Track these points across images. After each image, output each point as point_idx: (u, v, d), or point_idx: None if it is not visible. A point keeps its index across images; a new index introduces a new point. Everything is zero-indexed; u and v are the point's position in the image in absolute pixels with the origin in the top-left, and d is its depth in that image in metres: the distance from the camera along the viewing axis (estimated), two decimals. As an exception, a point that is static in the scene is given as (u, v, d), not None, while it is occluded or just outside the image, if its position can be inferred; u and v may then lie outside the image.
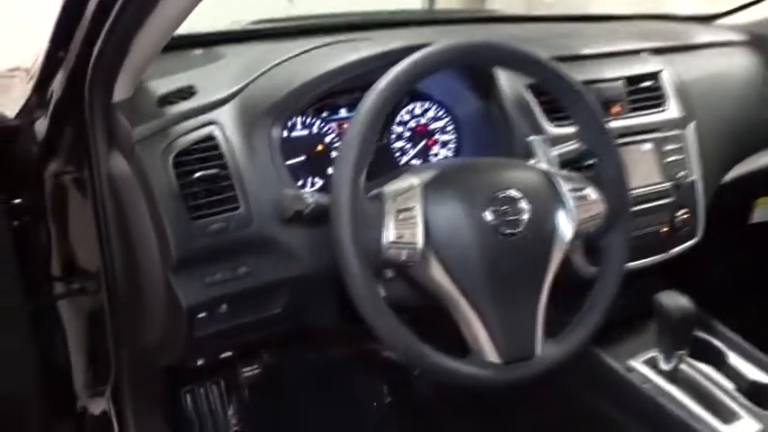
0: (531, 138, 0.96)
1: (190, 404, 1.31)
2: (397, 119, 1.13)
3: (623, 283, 0.94)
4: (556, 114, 1.12)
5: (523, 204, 0.83)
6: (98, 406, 1.20)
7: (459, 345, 0.84)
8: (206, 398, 1.33)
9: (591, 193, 0.89)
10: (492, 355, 0.81)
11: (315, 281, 0.92)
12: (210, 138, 0.90)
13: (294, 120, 1.04)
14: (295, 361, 1.39)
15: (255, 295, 0.91)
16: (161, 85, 0.95)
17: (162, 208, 0.84)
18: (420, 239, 0.78)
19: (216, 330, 0.90)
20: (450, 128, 1.16)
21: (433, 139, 1.15)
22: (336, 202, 0.75)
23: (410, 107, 1.14)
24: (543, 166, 0.92)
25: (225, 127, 0.91)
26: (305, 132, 1.06)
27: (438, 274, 0.80)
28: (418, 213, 0.79)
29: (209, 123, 0.91)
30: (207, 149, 0.89)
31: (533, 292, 0.83)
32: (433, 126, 1.15)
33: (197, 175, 0.86)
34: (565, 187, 0.87)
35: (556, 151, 0.95)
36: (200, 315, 0.88)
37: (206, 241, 0.86)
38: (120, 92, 0.90)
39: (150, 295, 0.89)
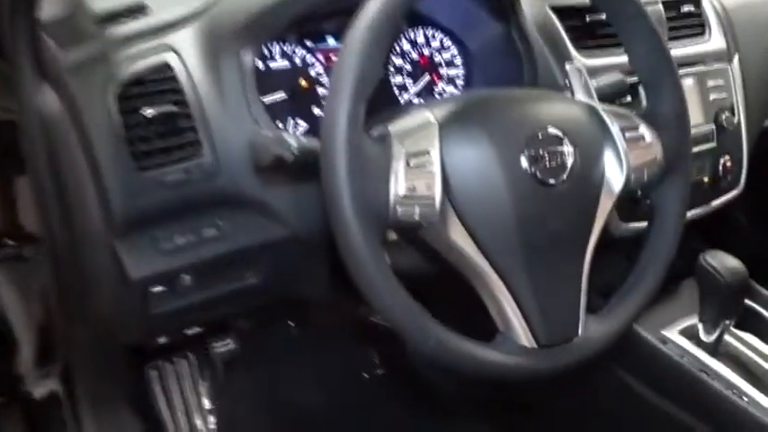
0: (568, 65, 0.78)
1: (155, 382, 1.14)
2: (397, 47, 0.94)
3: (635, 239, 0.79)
4: (584, 43, 0.94)
5: (567, 146, 0.66)
6: (46, 389, 1.03)
7: (472, 324, 0.68)
8: (175, 374, 1.16)
9: (646, 133, 0.72)
10: (527, 337, 0.64)
11: (300, 245, 0.75)
12: (166, 67, 0.71)
13: (271, 47, 0.85)
14: (275, 332, 1.23)
15: (227, 263, 0.73)
16: (104, 0, 0.75)
17: (100, 154, 0.65)
18: (437, 193, 0.61)
19: (177, 307, 0.73)
20: (458, 61, 0.98)
21: (438, 73, 0.96)
22: (329, 143, 0.58)
23: (411, 35, 0.95)
24: (585, 99, 0.75)
25: (184, 54, 0.72)
26: (285, 64, 0.86)
27: (459, 236, 0.63)
28: (435, 159, 0.61)
29: (165, 49, 0.72)
30: (161, 81, 0.70)
31: (577, 258, 0.67)
32: (438, 58, 0.96)
33: (148, 112, 0.67)
34: (615, 126, 0.70)
35: (597, 83, 0.77)
36: (156, 289, 0.71)
37: (160, 196, 0.68)
38: (50, 7, 0.70)
39: (93, 264, 0.71)
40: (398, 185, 0.60)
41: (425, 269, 0.71)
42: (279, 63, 0.86)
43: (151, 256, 0.68)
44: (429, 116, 0.63)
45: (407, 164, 0.60)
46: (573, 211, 0.66)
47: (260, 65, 0.83)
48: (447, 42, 0.97)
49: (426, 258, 0.69)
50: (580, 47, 0.93)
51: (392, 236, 0.68)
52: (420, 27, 0.95)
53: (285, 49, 0.86)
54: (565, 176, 0.65)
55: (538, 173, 0.64)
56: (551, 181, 0.65)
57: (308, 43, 0.90)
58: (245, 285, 0.76)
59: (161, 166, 0.68)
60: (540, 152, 0.64)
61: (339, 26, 0.90)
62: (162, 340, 0.89)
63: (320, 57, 0.90)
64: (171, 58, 0.71)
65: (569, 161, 0.65)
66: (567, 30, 0.92)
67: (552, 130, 0.66)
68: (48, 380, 1.03)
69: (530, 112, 0.67)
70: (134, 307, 0.70)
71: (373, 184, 0.59)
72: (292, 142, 0.64)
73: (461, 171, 0.62)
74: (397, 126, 0.63)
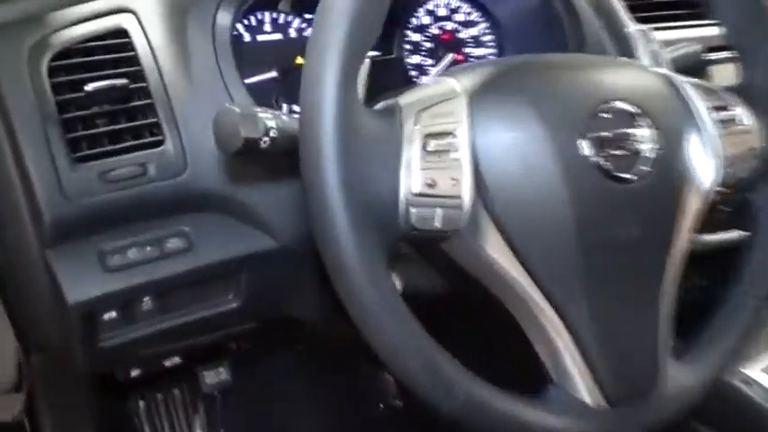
0: (632, 29, 0.61)
1: (143, 414, 0.99)
2: (413, 21, 0.78)
3: (718, 255, 0.62)
4: (640, 14, 0.78)
5: (643, 128, 0.49)
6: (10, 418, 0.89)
7: (513, 370, 0.52)
8: (164, 405, 1.00)
9: (743, 114, 0.54)
10: (590, 392, 0.47)
11: (288, 257, 0.59)
12: (119, 32, 0.56)
13: (260, 16, 0.70)
14: (274, 356, 1.07)
15: (198, 282, 0.58)
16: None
17: (24, 139, 0.50)
18: (466, 189, 0.44)
19: (136, 337, 0.57)
20: (488, 37, 0.81)
21: (464, 51, 0.80)
22: (310, 117, 0.41)
23: (431, 5, 0.79)
24: (661, 69, 0.58)
25: (143, 14, 0.57)
26: (277, 36, 0.71)
27: (496, 250, 0.46)
28: (462, 142, 0.45)
29: (118, 10, 0.57)
30: (111, 50, 0.55)
31: (657, 280, 0.50)
32: (463, 34, 0.80)
33: (90, 87, 0.52)
34: (701, 104, 0.53)
35: (671, 53, 0.60)
36: (106, 316, 0.55)
37: (104, 196, 0.52)
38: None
39: (28, 282, 0.56)
40: (412, 179, 0.43)
41: (447, 293, 0.55)
42: (269, 36, 0.70)
43: (95, 274, 0.53)
44: (454, 85, 0.47)
45: (424, 148, 0.43)
46: (651, 217, 0.49)
47: (245, 35, 0.68)
48: (474, 14, 0.81)
49: (448, 278, 0.52)
50: (637, 19, 0.77)
51: (402, 248, 0.52)
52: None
53: (278, 18, 0.71)
54: (640, 168, 0.48)
55: (604, 163, 0.47)
56: (622, 175, 0.47)
57: (308, 15, 0.75)
58: (223, 309, 0.60)
59: (106, 156, 0.53)
60: (607, 135, 0.47)
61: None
62: (135, 373, 0.74)
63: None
64: (126, 21, 0.56)
65: (646, 147, 0.48)
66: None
67: (622, 105, 0.48)
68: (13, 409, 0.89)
69: (592, 81, 0.50)
70: (78, 337, 0.55)
71: (375, 177, 0.42)
72: (270, 122, 0.47)
73: (499, 160, 0.45)
74: (409, 97, 0.47)
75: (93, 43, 0.55)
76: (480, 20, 0.81)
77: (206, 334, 0.63)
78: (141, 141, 0.54)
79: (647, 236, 0.48)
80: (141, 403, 0.98)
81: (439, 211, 0.43)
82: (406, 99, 0.46)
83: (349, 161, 0.40)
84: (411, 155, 0.43)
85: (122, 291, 0.54)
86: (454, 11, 0.80)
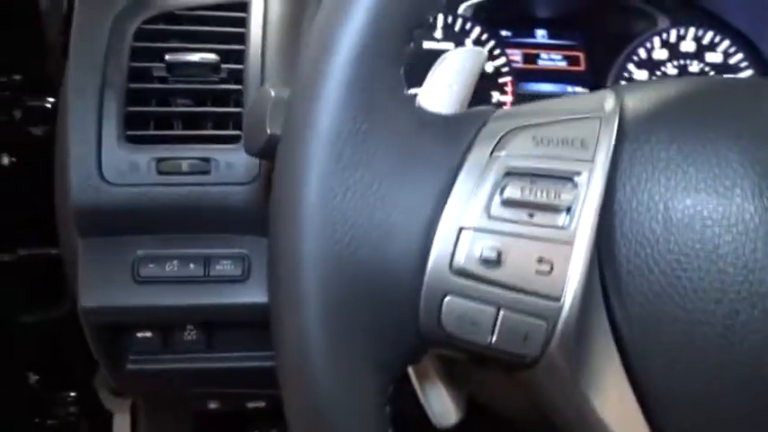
0: None
1: None
2: (640, 52, 0.58)
3: None
4: None
5: None
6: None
7: None
8: None
9: None
10: None
11: None
12: (238, 5, 0.47)
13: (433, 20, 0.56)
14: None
15: (256, 323, 0.44)
16: None
17: (73, 102, 0.42)
18: (574, 286, 0.23)
19: (175, 368, 0.46)
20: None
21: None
22: (301, 93, 0.24)
23: (672, 34, 0.58)
24: None
25: None
26: (448, 46, 0.57)
27: (611, 405, 0.24)
28: (590, 197, 0.24)
29: None
30: (221, 22, 0.46)
31: None
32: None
33: (170, 57, 0.43)
34: None
35: None
36: (140, 334, 0.45)
37: (154, 190, 0.42)
38: None
39: (72, 277, 0.48)
40: (459, 243, 0.24)
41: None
42: (436, 44, 0.56)
43: (122, 281, 0.43)
44: (604, 98, 0.26)
45: (500, 192, 0.24)
46: None
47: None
48: (737, 54, 0.58)
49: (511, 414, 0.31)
50: None
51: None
52: (703, 26, 0.58)
53: (453, 24, 0.56)
54: None
55: None
56: None
57: (504, 32, 0.60)
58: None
59: (167, 142, 0.43)
60: None
61: (555, 17, 0.59)
62: (213, 405, 0.64)
63: (516, 53, 0.59)
64: None
65: None
66: None
67: None
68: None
69: None
70: (96, 348, 0.45)
71: (387, 221, 0.23)
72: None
73: (658, 239, 0.24)
74: (515, 109, 0.27)
75: (204, 12, 0.46)
76: (745, 63, 0.58)
77: (262, 388, 0.50)
78: (214, 133, 0.43)
79: None
80: None
81: (504, 316, 0.23)
82: (506, 110, 0.27)
83: (344, 177, 0.22)
84: (468, 194, 0.23)
85: (148, 308, 0.43)
86: (707, 47, 0.58)
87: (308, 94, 0.23)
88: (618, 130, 0.24)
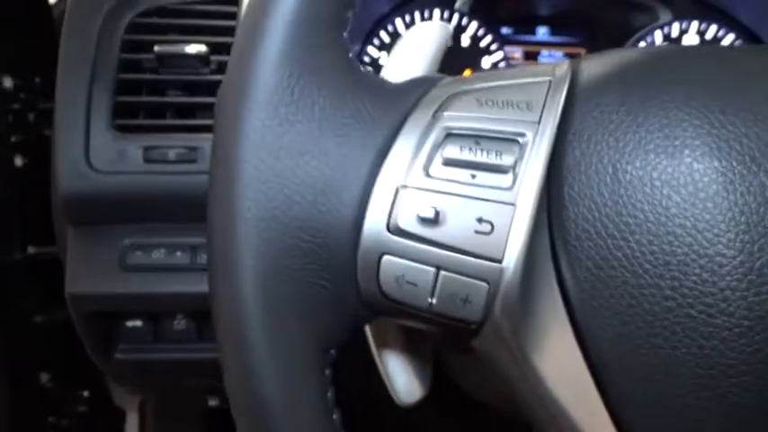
0: None
1: None
2: (641, 45, 0.57)
3: None
4: None
5: None
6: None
7: None
8: None
9: None
10: None
11: None
12: None
13: (426, 12, 0.56)
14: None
15: None
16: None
17: (63, 89, 0.43)
18: (517, 246, 0.22)
19: (167, 358, 0.47)
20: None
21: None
22: (235, 62, 0.23)
23: (674, 26, 0.58)
24: None
25: None
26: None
27: (557, 364, 0.22)
28: (535, 159, 0.22)
29: None
30: (214, 15, 0.47)
31: None
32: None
33: (158, 49, 0.43)
34: None
35: None
36: (129, 323, 0.46)
37: (140, 178, 0.42)
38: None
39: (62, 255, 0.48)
40: (399, 201, 0.23)
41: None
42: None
43: (109, 269, 0.43)
44: (558, 67, 0.25)
45: (440, 151, 0.23)
46: None
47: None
48: (737, 44, 0.57)
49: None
50: None
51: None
52: (706, 20, 0.57)
53: (449, 19, 0.56)
54: None
55: None
56: None
57: (505, 29, 0.59)
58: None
59: (154, 131, 0.43)
60: None
61: (556, 14, 0.59)
62: (213, 402, 0.64)
63: (517, 50, 0.59)
64: None
65: None
66: None
67: None
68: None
69: None
70: (85, 336, 0.46)
71: (326, 177, 0.22)
72: None
73: (606, 201, 0.23)
74: (465, 78, 0.26)
75: (196, 6, 0.47)
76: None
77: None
78: (202, 122, 0.44)
79: None
80: None
81: (444, 276, 0.22)
82: (455, 77, 0.26)
83: (280, 131, 0.22)
84: (407, 153, 0.23)
85: (135, 296, 0.43)
86: (711, 41, 0.57)
87: (244, 53, 0.23)
88: (569, 94, 0.24)
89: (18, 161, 0.71)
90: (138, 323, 0.46)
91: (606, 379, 0.22)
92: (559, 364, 0.23)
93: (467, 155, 0.23)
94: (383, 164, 0.23)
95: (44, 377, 0.82)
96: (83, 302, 0.43)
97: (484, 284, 0.22)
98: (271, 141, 0.22)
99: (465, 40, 0.56)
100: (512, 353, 0.23)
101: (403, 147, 0.23)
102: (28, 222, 0.70)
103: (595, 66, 0.25)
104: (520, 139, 0.23)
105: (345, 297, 0.23)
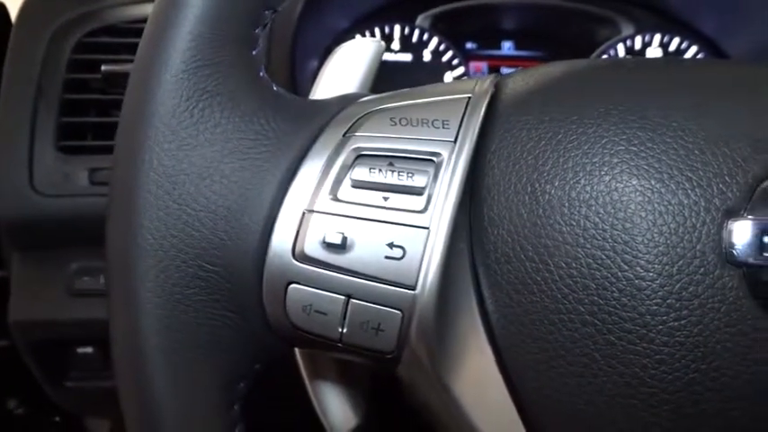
0: None
1: None
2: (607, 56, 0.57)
3: None
4: None
5: None
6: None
7: None
8: None
9: None
10: None
11: None
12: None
13: (386, 27, 0.55)
14: None
15: None
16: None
17: (5, 112, 0.42)
18: (433, 272, 0.21)
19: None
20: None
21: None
22: (138, 68, 0.22)
23: (637, 38, 0.57)
24: None
25: None
26: (405, 58, 0.56)
27: (489, 392, 0.21)
28: (453, 178, 0.21)
29: None
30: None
31: None
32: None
33: (105, 68, 0.43)
34: None
35: None
36: (80, 350, 0.45)
37: (88, 200, 0.42)
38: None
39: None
40: (304, 226, 0.21)
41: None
42: (394, 56, 0.56)
43: (56, 295, 0.42)
44: (482, 80, 0.24)
45: (349, 174, 0.22)
46: None
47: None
48: (700, 54, 0.56)
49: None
50: None
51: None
52: (669, 32, 0.57)
53: (410, 35, 0.56)
54: None
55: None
56: None
57: (469, 44, 0.59)
58: None
59: (101, 153, 0.42)
60: None
61: (520, 29, 0.58)
62: None
63: (482, 65, 0.59)
64: None
65: None
66: None
67: None
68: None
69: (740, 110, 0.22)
70: (33, 365, 0.45)
71: (229, 203, 0.21)
72: None
73: (526, 222, 0.21)
74: (383, 96, 0.25)
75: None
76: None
77: None
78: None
79: None
80: None
81: (354, 305, 0.21)
82: (372, 96, 0.25)
83: (180, 156, 0.21)
84: (315, 176, 0.22)
85: (83, 322, 0.42)
86: (674, 53, 0.57)
87: (144, 70, 0.22)
88: (488, 111, 0.23)
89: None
90: (89, 350, 0.45)
91: (527, 406, 0.21)
92: (480, 391, 0.22)
93: (377, 176, 0.22)
94: (289, 187, 0.22)
95: (12, 403, 0.80)
96: (28, 330, 0.42)
97: (397, 312, 0.21)
98: (170, 166, 0.21)
99: (426, 56, 0.55)
100: (430, 381, 0.22)
101: (310, 169, 0.22)
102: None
103: (518, 82, 0.24)
104: (435, 159, 0.22)
105: (252, 328, 0.22)
